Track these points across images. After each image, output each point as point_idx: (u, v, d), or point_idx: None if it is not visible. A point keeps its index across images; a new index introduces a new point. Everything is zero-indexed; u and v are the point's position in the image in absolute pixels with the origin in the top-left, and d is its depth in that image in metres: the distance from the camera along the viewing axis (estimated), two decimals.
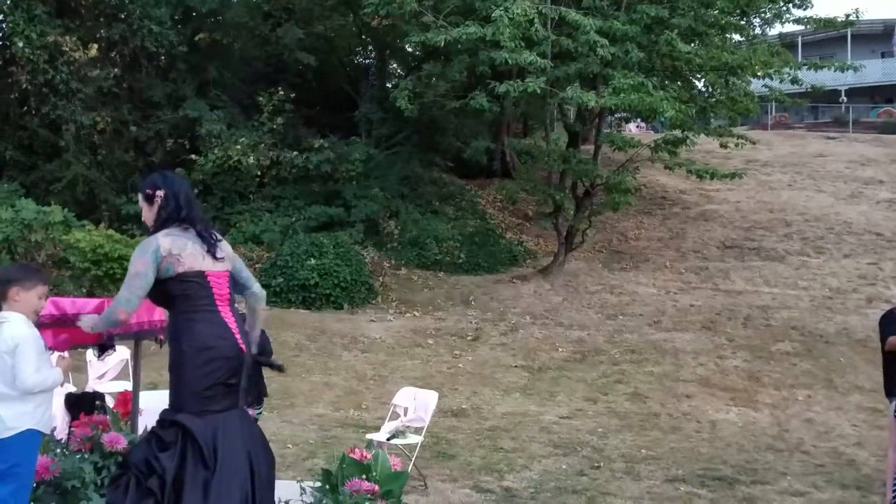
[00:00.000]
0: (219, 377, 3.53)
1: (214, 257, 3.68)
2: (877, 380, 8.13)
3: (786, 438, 9.02)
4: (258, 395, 6.26)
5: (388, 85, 20.73)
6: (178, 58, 18.37)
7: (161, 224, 3.68)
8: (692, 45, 14.58)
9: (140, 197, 3.81)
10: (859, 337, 12.71)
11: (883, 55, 36.16)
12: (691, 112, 14.75)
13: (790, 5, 16.04)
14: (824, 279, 15.42)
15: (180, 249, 3.59)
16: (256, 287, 3.94)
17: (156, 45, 17.33)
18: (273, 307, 13.54)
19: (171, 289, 3.60)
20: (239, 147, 16.79)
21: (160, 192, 3.72)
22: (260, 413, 6.27)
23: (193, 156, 17.02)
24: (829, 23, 16.44)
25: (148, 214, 3.77)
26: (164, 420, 3.58)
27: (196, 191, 16.50)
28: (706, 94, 16.80)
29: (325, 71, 20.32)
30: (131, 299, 3.54)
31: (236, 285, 3.89)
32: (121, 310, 3.55)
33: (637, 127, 27.99)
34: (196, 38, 19.02)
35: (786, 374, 11.59)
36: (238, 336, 3.64)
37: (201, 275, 3.61)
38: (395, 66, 23.35)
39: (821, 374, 11.59)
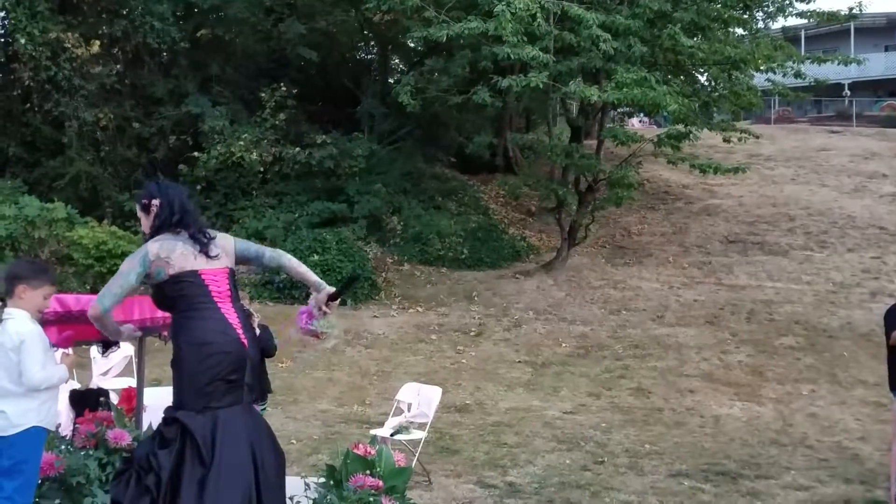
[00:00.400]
0: (218, 372, 3.54)
1: (208, 256, 3.70)
2: (881, 374, 8.14)
3: (789, 433, 9.01)
4: (262, 391, 6.25)
5: (391, 80, 20.67)
6: (180, 54, 18.37)
7: (155, 231, 3.73)
8: (695, 39, 14.55)
9: (137, 208, 3.85)
10: (863, 331, 12.69)
11: (886, 49, 36.07)
12: (694, 106, 14.71)
13: None
14: (828, 273, 15.39)
15: (169, 252, 3.63)
16: (269, 251, 3.94)
17: (158, 42, 17.32)
18: (276, 303, 13.56)
19: (167, 291, 3.65)
20: (241, 143, 16.77)
21: (156, 202, 3.76)
22: (264, 409, 6.27)
23: (196, 152, 17.02)
24: (832, 16, 16.40)
25: (145, 223, 3.82)
26: (168, 417, 3.61)
27: (199, 187, 16.52)
28: (709, 89, 16.76)
29: (327, 66, 20.30)
30: (105, 295, 3.60)
31: (251, 262, 3.92)
32: (93, 305, 3.61)
33: (640, 122, 27.97)
34: (198, 35, 19.00)
35: (789, 368, 11.58)
36: (240, 332, 3.64)
37: (195, 274, 3.64)
38: (397, 61, 23.31)
39: (824, 368, 11.57)
